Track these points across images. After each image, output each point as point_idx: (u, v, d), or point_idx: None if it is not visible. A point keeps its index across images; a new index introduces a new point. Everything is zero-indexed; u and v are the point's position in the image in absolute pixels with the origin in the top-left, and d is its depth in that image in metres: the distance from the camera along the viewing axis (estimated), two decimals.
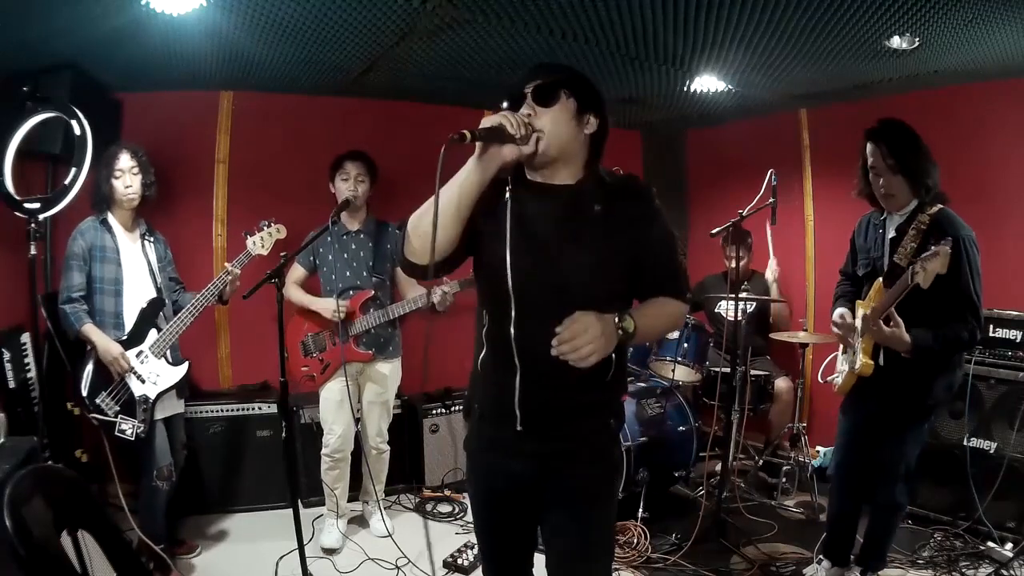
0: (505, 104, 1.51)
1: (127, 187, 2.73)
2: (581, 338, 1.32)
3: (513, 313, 1.48)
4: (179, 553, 2.98)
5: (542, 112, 1.47)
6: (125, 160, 2.74)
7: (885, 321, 2.23)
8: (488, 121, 1.39)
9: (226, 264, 2.83)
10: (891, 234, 2.42)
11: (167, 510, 2.86)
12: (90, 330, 2.64)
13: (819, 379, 3.00)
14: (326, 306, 3.11)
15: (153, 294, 2.82)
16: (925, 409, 2.45)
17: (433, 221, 1.34)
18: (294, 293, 3.20)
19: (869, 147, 2.37)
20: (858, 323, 2.48)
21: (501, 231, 1.49)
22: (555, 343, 1.33)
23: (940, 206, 2.33)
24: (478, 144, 1.39)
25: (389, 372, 3.26)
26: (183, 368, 2.81)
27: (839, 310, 2.57)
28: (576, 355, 1.33)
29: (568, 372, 1.39)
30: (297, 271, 3.24)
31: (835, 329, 2.57)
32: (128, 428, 2.65)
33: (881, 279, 2.37)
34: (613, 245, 1.49)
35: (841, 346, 2.73)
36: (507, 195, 1.52)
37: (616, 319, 1.41)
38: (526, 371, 1.50)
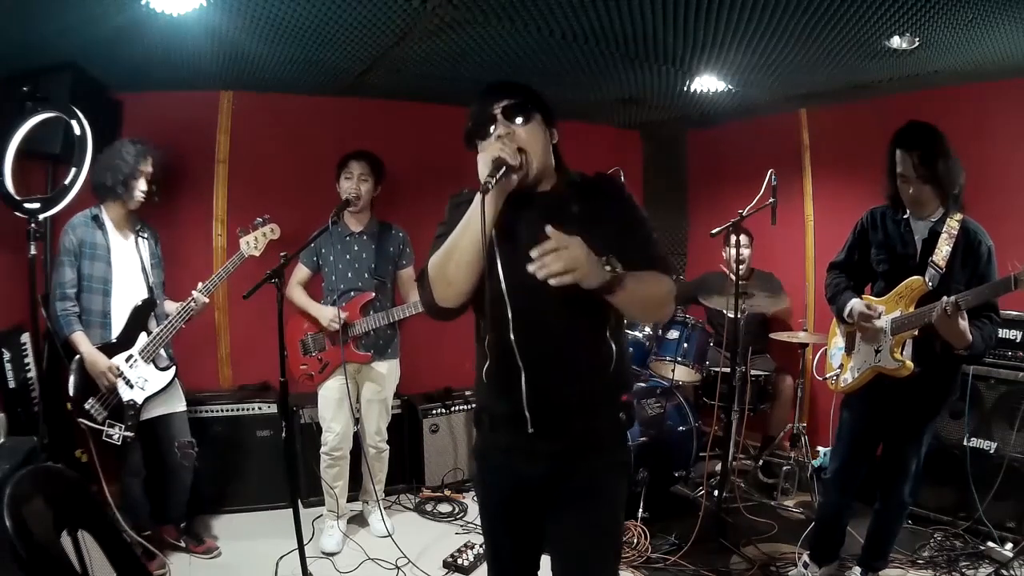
0: (471, 128, 1.52)
1: (142, 191, 2.78)
2: (560, 251, 1.31)
3: (510, 318, 1.50)
4: (197, 551, 2.99)
5: (520, 130, 1.49)
6: (149, 165, 2.80)
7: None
8: (489, 161, 1.40)
9: (193, 292, 2.78)
10: (924, 235, 2.40)
11: (187, 508, 3.00)
12: (79, 339, 2.64)
13: (815, 375, 3.00)
14: (325, 314, 3.10)
15: (144, 293, 2.81)
16: (940, 407, 2.48)
17: (452, 268, 1.42)
18: (296, 294, 3.19)
19: (899, 155, 2.33)
20: (884, 320, 2.44)
21: (490, 244, 1.49)
22: (534, 254, 1.32)
23: (960, 215, 2.36)
24: (490, 196, 1.40)
25: (387, 371, 3.25)
26: (170, 373, 2.81)
27: (858, 301, 2.47)
28: (548, 270, 1.31)
29: (571, 367, 1.43)
30: (301, 271, 3.24)
31: (861, 320, 2.44)
32: (115, 433, 2.67)
33: (922, 278, 2.34)
34: (597, 240, 1.49)
35: (837, 342, 2.72)
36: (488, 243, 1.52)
37: (604, 258, 1.39)
38: (530, 372, 1.51)
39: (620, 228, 1.54)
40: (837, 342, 2.73)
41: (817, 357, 2.96)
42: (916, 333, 2.35)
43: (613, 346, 1.53)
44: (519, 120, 1.49)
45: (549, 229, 1.34)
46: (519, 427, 1.54)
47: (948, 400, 2.48)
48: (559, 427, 1.55)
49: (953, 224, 2.33)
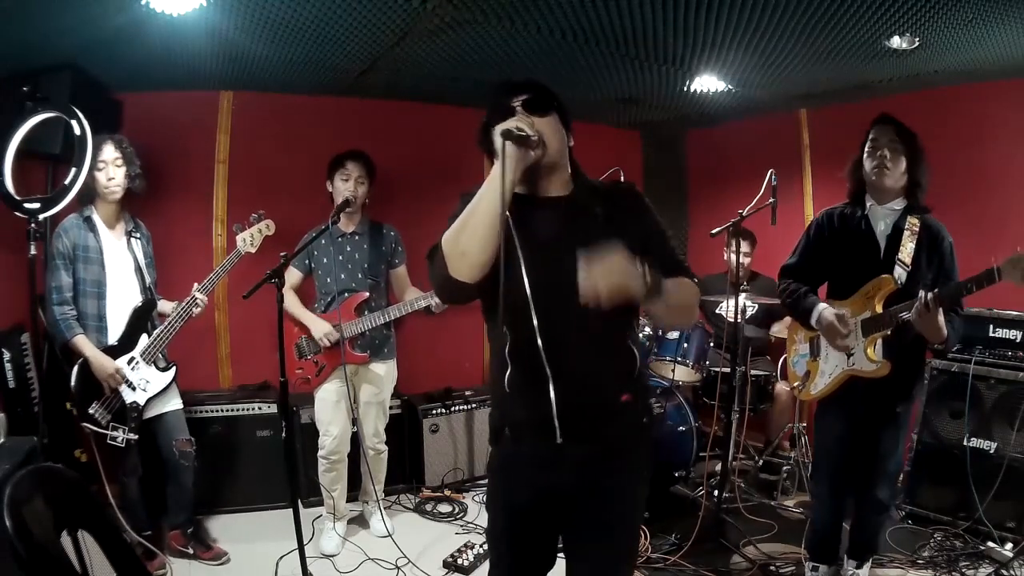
0: (487, 120, 1.51)
1: (110, 179, 2.71)
2: (604, 266, 1.33)
3: (536, 325, 1.46)
4: (205, 557, 2.96)
5: (538, 121, 1.48)
6: (108, 151, 2.72)
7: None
8: (507, 127, 1.38)
9: (195, 294, 2.77)
10: (887, 231, 2.39)
11: (193, 510, 3.01)
12: (81, 343, 2.62)
13: (786, 387, 2.94)
14: (318, 328, 3.06)
15: (140, 295, 2.79)
16: (912, 390, 2.50)
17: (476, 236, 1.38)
18: (289, 302, 3.12)
19: (876, 129, 2.38)
20: (853, 322, 2.39)
21: (510, 248, 1.47)
22: (582, 278, 1.33)
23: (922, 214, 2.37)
24: (509, 146, 1.38)
25: (384, 372, 3.24)
26: (171, 374, 2.81)
27: (827, 308, 2.41)
28: (603, 288, 1.31)
29: (601, 373, 1.42)
30: (293, 275, 3.18)
31: (830, 330, 2.38)
32: (119, 436, 2.66)
33: (891, 277, 2.32)
34: (619, 244, 1.49)
35: (800, 349, 2.70)
36: (506, 212, 1.49)
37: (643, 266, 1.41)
38: (559, 379, 1.47)
39: (643, 235, 1.54)
40: (799, 349, 2.69)
41: (779, 367, 2.90)
42: (889, 333, 2.31)
43: (636, 351, 1.53)
44: (541, 112, 1.49)
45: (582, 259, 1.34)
46: (546, 436, 1.49)
47: (919, 382, 2.52)
48: (588, 434, 1.51)
49: (915, 221, 2.34)
